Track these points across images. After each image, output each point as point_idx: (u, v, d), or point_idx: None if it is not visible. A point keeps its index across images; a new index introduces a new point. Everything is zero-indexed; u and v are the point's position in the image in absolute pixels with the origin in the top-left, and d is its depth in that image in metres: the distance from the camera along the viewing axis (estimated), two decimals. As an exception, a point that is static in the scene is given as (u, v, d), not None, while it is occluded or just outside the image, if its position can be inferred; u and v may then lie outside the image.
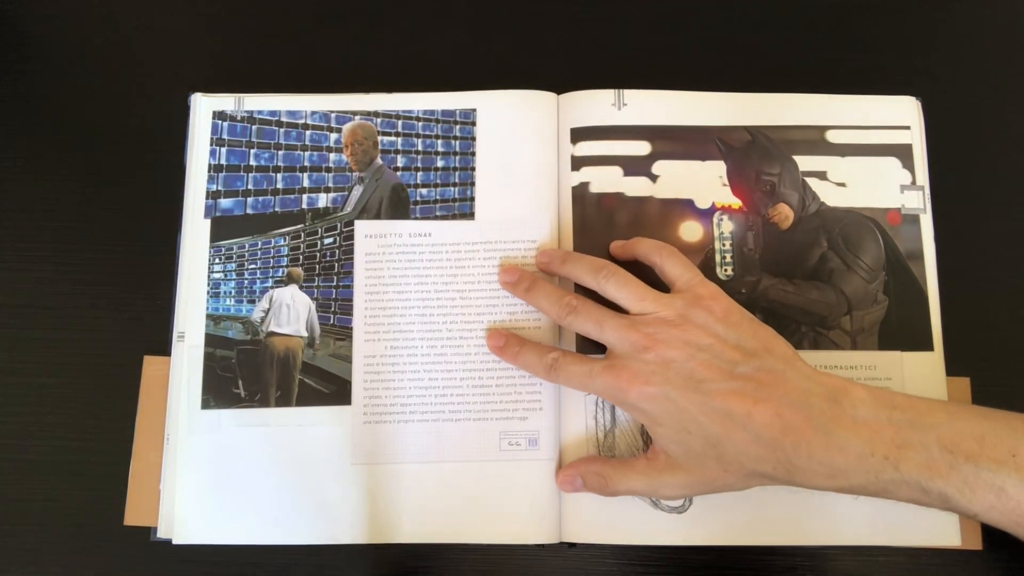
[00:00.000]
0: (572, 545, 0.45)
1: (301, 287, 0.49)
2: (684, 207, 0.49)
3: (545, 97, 0.50)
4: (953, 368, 0.47)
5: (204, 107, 0.51)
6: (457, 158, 0.50)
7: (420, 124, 0.50)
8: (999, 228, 0.50)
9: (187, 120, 0.51)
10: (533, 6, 0.54)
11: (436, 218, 0.49)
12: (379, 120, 0.51)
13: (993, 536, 0.46)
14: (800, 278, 0.48)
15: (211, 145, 0.50)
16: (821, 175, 0.49)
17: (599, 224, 0.48)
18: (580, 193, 0.49)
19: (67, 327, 0.49)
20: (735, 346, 0.39)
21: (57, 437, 0.47)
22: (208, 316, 0.48)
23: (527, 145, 0.50)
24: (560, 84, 0.50)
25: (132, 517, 0.46)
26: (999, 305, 0.49)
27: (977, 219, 0.51)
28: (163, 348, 0.48)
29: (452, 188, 0.49)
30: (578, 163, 0.49)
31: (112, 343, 0.49)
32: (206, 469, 0.46)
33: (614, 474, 0.42)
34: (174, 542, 0.45)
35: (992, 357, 0.48)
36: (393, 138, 0.50)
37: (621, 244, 0.47)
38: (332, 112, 0.51)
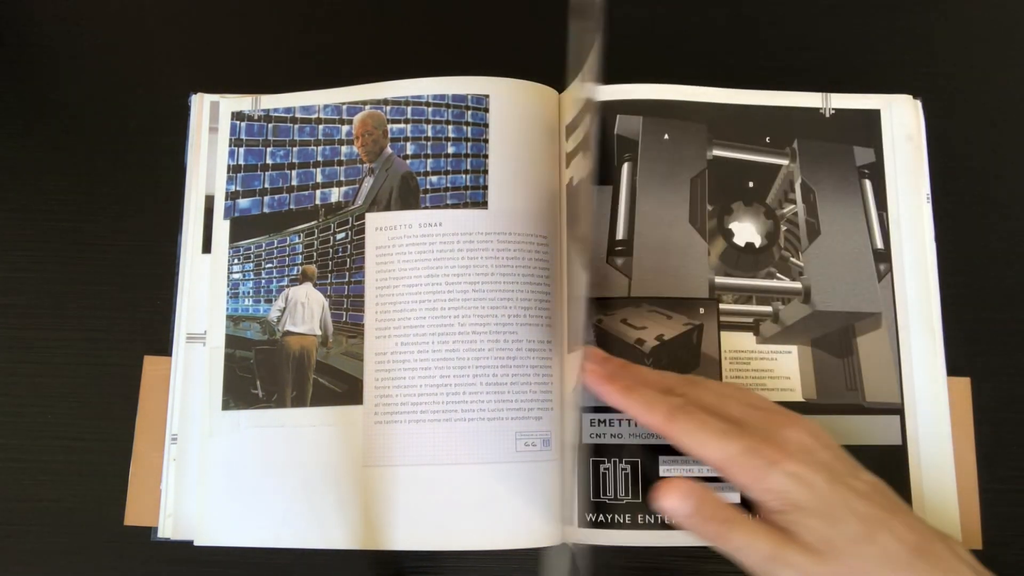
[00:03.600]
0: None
1: (315, 284, 0.48)
2: None
3: (548, 92, 0.50)
4: (953, 368, 0.47)
5: (223, 109, 0.51)
6: (469, 144, 0.49)
7: (430, 109, 0.50)
8: (999, 228, 0.50)
9: (187, 120, 0.51)
10: (533, 4, 0.54)
11: (447, 207, 0.48)
12: (388, 108, 0.50)
13: (993, 536, 0.46)
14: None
15: (230, 146, 0.50)
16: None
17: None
18: (572, 190, 0.49)
19: (67, 327, 0.49)
20: (844, 459, 0.38)
21: (57, 437, 0.47)
22: (228, 317, 0.48)
23: (535, 136, 0.49)
24: (560, 82, 0.50)
25: (132, 517, 0.46)
26: (999, 305, 0.49)
27: (977, 219, 0.51)
28: (163, 348, 0.48)
29: (463, 176, 0.48)
30: (571, 159, 0.49)
31: (112, 343, 0.49)
32: (226, 471, 0.46)
33: (744, 523, 0.36)
34: (196, 543, 0.45)
35: (992, 357, 0.48)
36: (402, 125, 0.50)
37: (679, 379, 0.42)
38: (344, 104, 0.50)
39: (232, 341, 0.48)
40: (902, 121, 0.50)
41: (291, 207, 0.50)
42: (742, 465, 0.35)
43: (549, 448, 0.45)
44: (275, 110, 0.51)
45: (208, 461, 0.46)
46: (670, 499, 0.37)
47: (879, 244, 0.48)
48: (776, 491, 0.35)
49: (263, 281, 0.49)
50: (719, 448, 0.36)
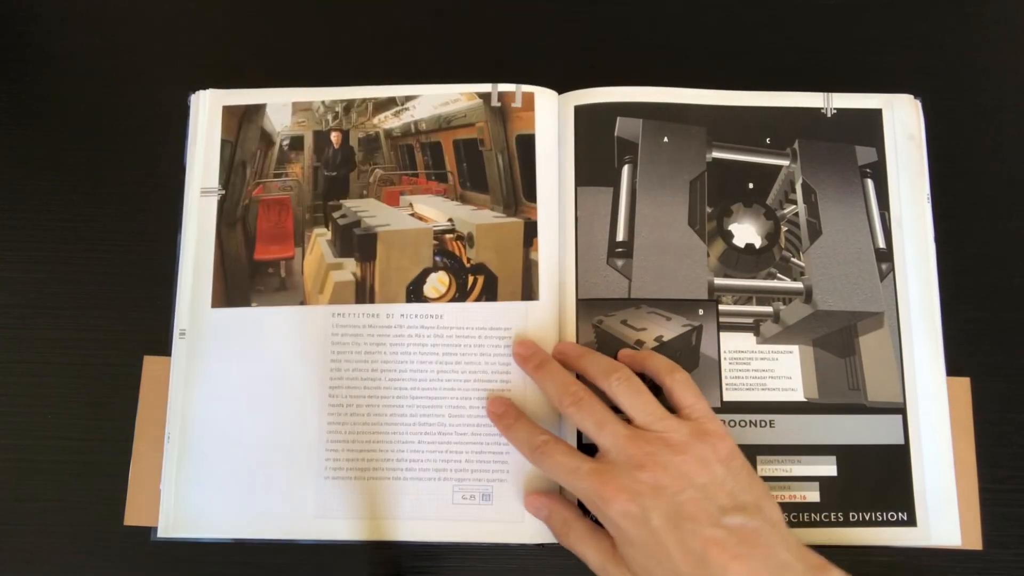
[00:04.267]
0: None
1: None
2: None
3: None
4: (953, 368, 0.47)
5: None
6: None
7: None
8: (999, 228, 0.51)
9: (187, 120, 0.51)
10: (533, 5, 0.55)
11: None
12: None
13: (993, 536, 0.46)
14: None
15: None
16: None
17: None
18: None
19: (67, 327, 0.49)
20: (729, 493, 0.38)
21: (57, 437, 0.47)
22: None
23: None
24: (560, 84, 0.50)
25: (132, 517, 0.46)
26: (999, 305, 0.49)
27: (977, 219, 0.51)
28: (163, 348, 0.48)
29: None
30: None
31: (112, 343, 0.49)
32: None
33: (579, 533, 0.41)
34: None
35: (992, 357, 0.48)
36: None
37: (630, 354, 0.45)
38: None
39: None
40: (904, 120, 0.50)
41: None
42: (585, 500, 0.40)
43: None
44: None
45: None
46: (530, 508, 0.44)
47: (881, 244, 0.48)
48: (610, 524, 0.39)
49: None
50: (567, 484, 0.41)
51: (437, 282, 0.47)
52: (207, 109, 0.50)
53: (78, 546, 0.46)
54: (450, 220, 0.48)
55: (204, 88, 0.51)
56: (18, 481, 0.47)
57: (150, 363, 0.48)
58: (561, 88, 0.50)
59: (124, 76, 0.53)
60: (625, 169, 0.49)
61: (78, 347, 0.49)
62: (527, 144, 0.49)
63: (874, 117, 0.50)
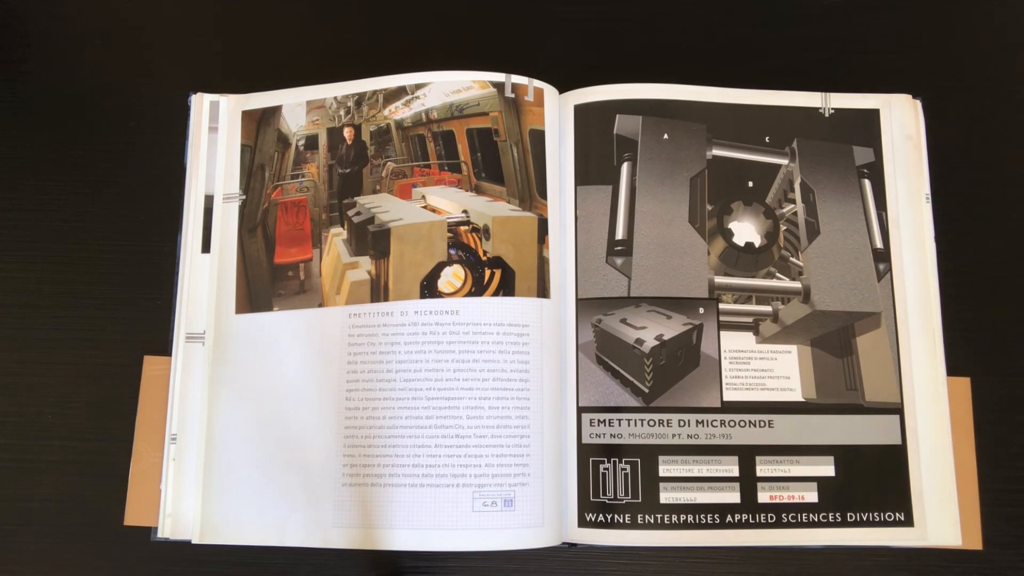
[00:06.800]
0: (572, 545, 0.45)
1: None
2: None
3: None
4: (953, 368, 0.47)
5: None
6: None
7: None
8: (999, 228, 0.50)
9: (187, 120, 0.51)
10: (531, 4, 0.54)
11: None
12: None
13: (993, 536, 0.46)
14: None
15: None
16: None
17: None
18: None
19: (67, 327, 0.49)
20: None
21: (57, 437, 0.47)
22: None
23: None
24: (562, 81, 0.50)
25: (132, 517, 0.46)
26: (999, 305, 0.49)
27: (977, 219, 0.51)
28: (163, 348, 0.48)
29: None
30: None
31: (112, 343, 0.49)
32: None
33: None
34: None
35: (992, 357, 0.48)
36: None
37: None
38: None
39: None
40: (901, 121, 0.50)
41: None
42: None
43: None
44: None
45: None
46: None
47: (879, 244, 0.48)
48: None
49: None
50: None
51: (452, 276, 0.46)
52: (226, 115, 0.51)
53: (78, 546, 0.46)
54: (464, 212, 0.48)
55: (204, 88, 0.51)
56: (18, 481, 0.47)
57: (150, 363, 0.48)
58: (562, 86, 0.50)
59: (125, 76, 0.53)
60: (624, 167, 0.49)
61: (78, 347, 0.49)
62: (538, 140, 0.49)
63: (871, 117, 0.50)
